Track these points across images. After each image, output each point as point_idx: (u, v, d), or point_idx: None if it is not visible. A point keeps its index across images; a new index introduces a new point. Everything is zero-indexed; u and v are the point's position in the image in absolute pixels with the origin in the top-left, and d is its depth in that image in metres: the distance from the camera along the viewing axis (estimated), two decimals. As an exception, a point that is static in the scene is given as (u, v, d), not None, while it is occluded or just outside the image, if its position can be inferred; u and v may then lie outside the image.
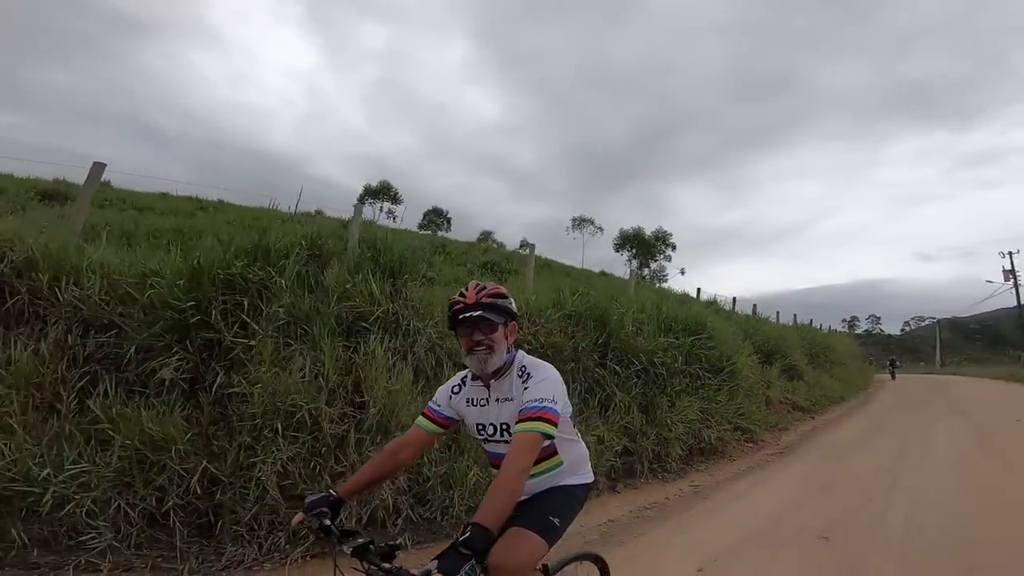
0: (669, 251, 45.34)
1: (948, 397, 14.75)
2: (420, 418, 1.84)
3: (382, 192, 47.36)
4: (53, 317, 3.44)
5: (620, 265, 46.83)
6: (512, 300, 1.77)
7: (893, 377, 25.31)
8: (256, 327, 3.64)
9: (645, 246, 44.15)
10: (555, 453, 1.78)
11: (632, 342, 6.18)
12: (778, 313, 15.84)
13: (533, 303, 5.92)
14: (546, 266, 22.01)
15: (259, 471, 3.15)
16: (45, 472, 2.79)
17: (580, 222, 49.02)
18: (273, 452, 3.23)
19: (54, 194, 12.65)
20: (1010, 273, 32.45)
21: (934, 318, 75.79)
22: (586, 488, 1.91)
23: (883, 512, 4.18)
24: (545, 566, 1.82)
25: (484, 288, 1.73)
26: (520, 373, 1.70)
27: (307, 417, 3.41)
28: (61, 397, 3.12)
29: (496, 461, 1.72)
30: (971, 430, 8.63)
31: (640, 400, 5.87)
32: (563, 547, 1.93)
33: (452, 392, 1.83)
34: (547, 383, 1.64)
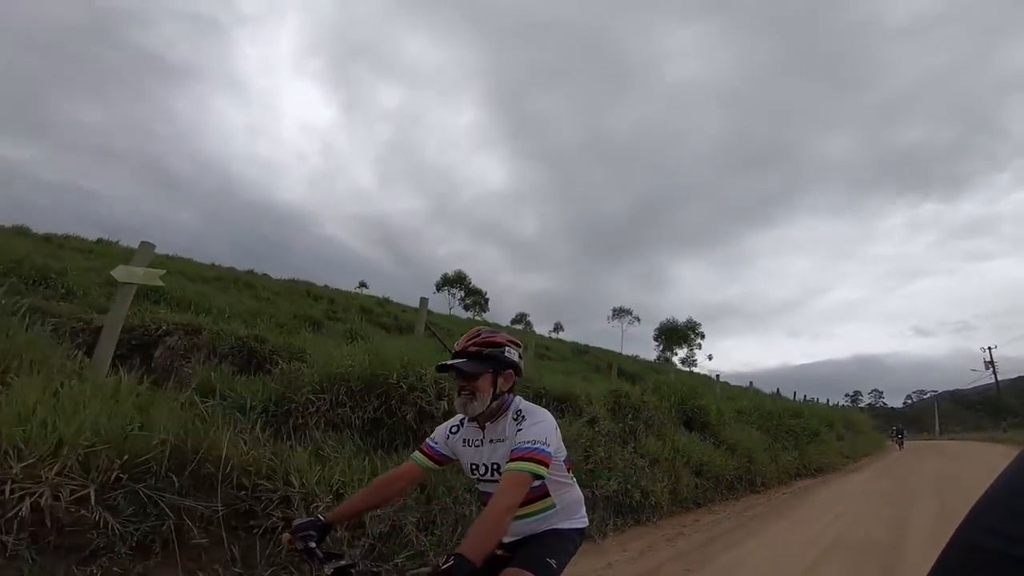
0: (699, 340, 53.77)
1: (939, 451, 22.20)
2: (416, 453, 1.94)
3: (457, 281, 55.58)
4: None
5: (652, 350, 55.05)
6: (511, 349, 1.85)
7: (900, 447, 26.16)
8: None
9: (679, 335, 52.64)
10: (547, 495, 1.84)
11: (787, 422, 13.90)
12: (778, 389, 23.24)
13: (745, 408, 13.57)
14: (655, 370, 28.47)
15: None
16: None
17: (619, 312, 57.77)
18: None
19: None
20: (989, 364, 41.01)
21: (935, 391, 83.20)
22: (580, 533, 1.94)
23: (908, 474, 11.85)
24: None
25: (478, 336, 1.85)
26: (516, 416, 1.80)
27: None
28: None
29: (487, 500, 1.69)
30: (947, 460, 16.27)
31: (795, 447, 13.44)
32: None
33: (450, 432, 1.93)
34: (541, 426, 1.72)
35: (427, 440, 1.96)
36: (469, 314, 52.73)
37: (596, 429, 6.92)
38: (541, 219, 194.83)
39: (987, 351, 41.94)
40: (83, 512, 2.60)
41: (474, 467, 1.86)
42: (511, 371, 1.84)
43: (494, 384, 1.79)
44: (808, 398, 26.99)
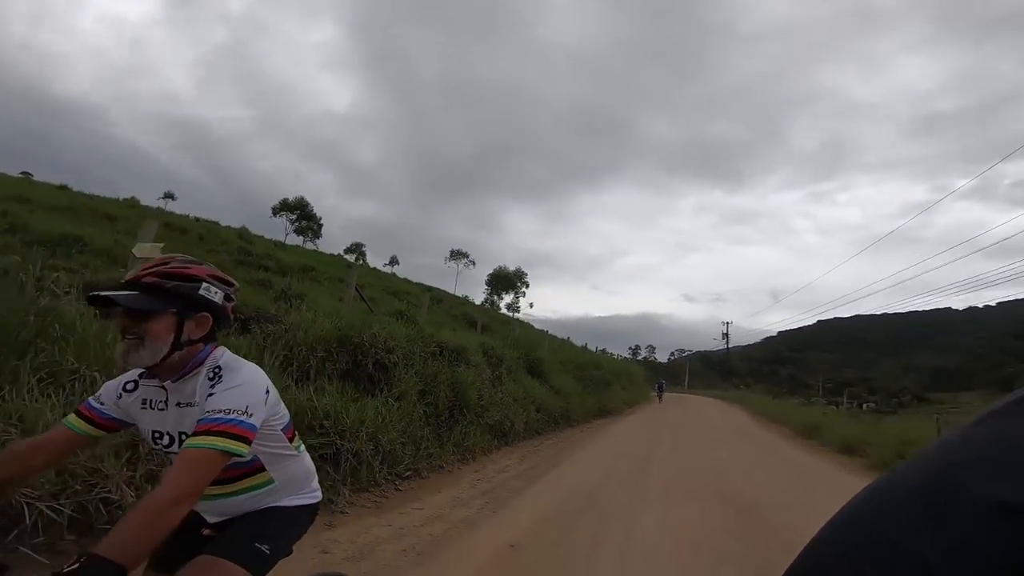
0: (524, 288, 59.77)
1: (681, 402, 29.93)
2: (70, 416, 1.47)
3: (297, 207, 52.55)
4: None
5: (480, 292, 59.88)
6: (213, 287, 1.43)
7: (660, 399, 29.51)
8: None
9: (508, 282, 57.90)
10: (262, 469, 1.51)
11: (591, 373, 18.14)
12: (586, 344, 29.46)
13: (564, 360, 17.37)
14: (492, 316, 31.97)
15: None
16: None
17: (456, 254, 60.90)
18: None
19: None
20: (725, 336, 53.64)
21: (691, 350, 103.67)
22: (309, 510, 1.64)
23: (660, 417, 16.92)
24: None
25: (164, 264, 1.40)
26: (211, 375, 1.39)
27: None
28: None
29: None
30: (683, 409, 22.73)
31: (595, 393, 17.76)
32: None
33: (124, 390, 1.48)
34: (240, 390, 1.34)
35: (89, 399, 1.50)
36: (299, 240, 50.82)
37: (482, 376, 9.44)
38: (384, 148, 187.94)
39: (725, 325, 55.23)
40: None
41: (157, 435, 1.46)
42: (207, 314, 1.44)
43: (177, 329, 1.37)
44: (604, 349, 33.65)
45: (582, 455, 8.25)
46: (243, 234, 20.16)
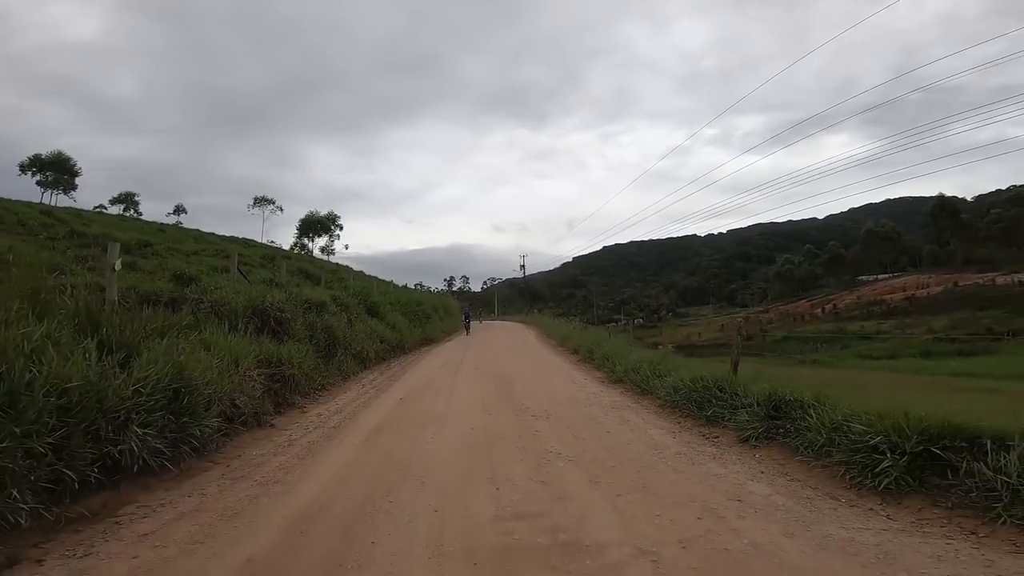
0: (338, 231, 60.39)
1: (488, 327, 36.24)
2: None
3: (55, 165, 44.24)
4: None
5: (289, 236, 59.12)
6: None
7: (467, 331, 27.75)
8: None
9: (321, 226, 57.91)
10: None
11: (415, 309, 22.42)
12: (407, 284, 34.01)
13: (394, 300, 21.27)
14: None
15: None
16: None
17: (261, 200, 58.17)
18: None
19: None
20: (522, 267, 62.40)
21: (501, 278, 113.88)
22: None
23: (470, 339, 22.20)
24: None
25: None
26: None
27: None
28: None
29: None
30: (489, 332, 28.55)
31: (420, 325, 22.13)
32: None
33: None
34: None
35: None
36: (48, 195, 43.20)
37: (341, 321, 13.05)
38: (150, 81, 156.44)
39: (522, 257, 64.77)
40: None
41: None
42: None
43: None
44: (420, 283, 38.25)
45: (419, 367, 12.66)
46: (46, 210, 18.92)
